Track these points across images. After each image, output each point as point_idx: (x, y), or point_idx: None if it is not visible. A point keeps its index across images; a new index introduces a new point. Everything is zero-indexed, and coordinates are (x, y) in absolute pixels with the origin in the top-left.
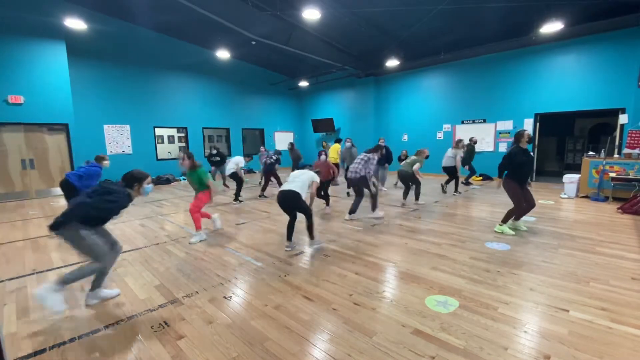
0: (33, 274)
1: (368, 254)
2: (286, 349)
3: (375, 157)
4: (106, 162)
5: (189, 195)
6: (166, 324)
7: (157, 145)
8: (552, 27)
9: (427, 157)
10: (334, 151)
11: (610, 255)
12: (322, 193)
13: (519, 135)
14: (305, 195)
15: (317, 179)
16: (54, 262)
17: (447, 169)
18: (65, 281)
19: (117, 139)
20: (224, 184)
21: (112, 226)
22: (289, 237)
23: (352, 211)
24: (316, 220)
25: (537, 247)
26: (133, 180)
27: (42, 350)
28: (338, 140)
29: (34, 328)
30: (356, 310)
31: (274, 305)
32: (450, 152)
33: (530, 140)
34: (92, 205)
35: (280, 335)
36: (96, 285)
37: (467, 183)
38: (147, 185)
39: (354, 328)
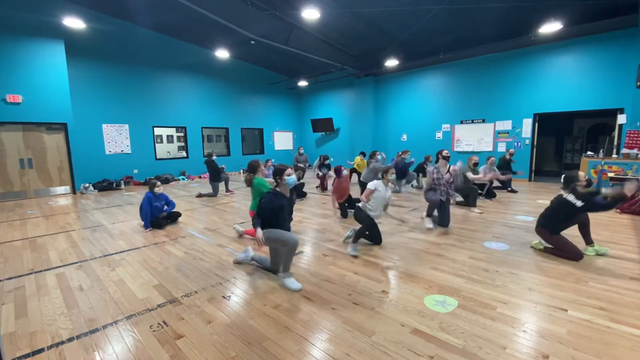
0: (31, 273)
1: (367, 254)
2: (285, 349)
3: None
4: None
5: (188, 195)
6: (165, 323)
7: (156, 144)
8: (550, 27)
9: (475, 163)
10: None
11: (608, 255)
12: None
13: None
14: None
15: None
16: (52, 261)
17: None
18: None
19: (116, 139)
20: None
21: (111, 226)
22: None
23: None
24: (317, 219)
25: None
26: (275, 173)
27: (41, 350)
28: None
29: (32, 327)
30: (355, 309)
31: (273, 305)
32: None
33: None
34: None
35: (279, 334)
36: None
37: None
38: (288, 177)
39: (353, 328)
